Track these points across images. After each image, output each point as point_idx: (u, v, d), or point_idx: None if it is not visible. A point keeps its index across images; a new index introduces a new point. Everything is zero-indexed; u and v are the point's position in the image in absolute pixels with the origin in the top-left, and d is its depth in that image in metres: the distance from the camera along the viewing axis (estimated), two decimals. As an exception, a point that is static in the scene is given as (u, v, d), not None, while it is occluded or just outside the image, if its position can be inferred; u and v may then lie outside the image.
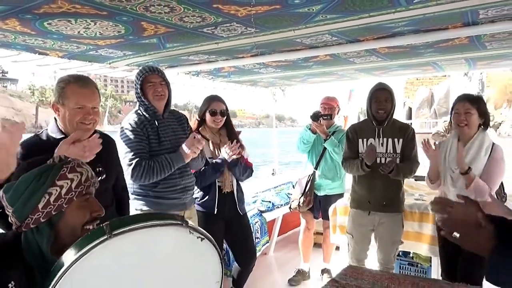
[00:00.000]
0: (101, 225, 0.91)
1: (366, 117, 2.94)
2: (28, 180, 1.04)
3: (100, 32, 2.01)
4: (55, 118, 1.84)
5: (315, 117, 3.46)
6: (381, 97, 2.78)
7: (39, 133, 1.85)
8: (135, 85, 2.44)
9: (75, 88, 1.76)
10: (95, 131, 1.89)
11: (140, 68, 2.43)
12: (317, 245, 4.19)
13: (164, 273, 0.99)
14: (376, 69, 3.64)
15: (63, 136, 1.79)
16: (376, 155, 2.72)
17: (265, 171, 5.65)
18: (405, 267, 3.54)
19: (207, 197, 2.85)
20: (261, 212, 4.20)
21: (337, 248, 3.88)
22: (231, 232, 3.00)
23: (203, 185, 2.86)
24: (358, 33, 2.32)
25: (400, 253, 3.56)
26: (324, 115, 3.51)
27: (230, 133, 2.99)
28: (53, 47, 2.34)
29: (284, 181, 5.19)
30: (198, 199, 2.87)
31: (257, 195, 4.62)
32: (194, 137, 2.43)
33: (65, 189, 1.05)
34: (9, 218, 1.06)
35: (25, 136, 1.59)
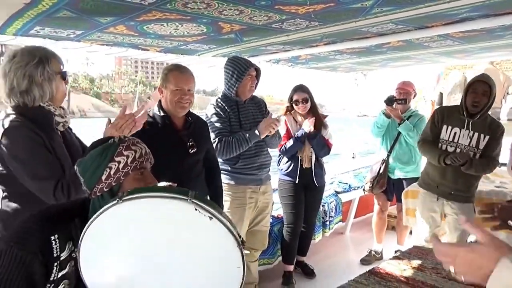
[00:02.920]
0: (119, 193, 1.08)
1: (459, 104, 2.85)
2: (94, 156, 1.24)
3: (187, 31, 2.40)
4: (160, 100, 2.33)
5: (389, 101, 3.53)
6: (478, 89, 2.67)
7: (149, 111, 2.31)
8: (234, 74, 2.69)
9: (175, 74, 2.23)
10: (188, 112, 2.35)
11: (239, 59, 2.72)
12: (393, 228, 4.28)
13: (174, 246, 1.04)
14: (457, 52, 3.54)
15: (164, 114, 2.28)
16: (467, 159, 2.66)
17: (345, 155, 5.77)
18: (482, 254, 3.46)
19: (290, 168, 3.34)
20: (337, 193, 4.39)
21: (411, 232, 3.92)
22: (306, 201, 3.41)
23: (288, 155, 3.33)
24: (423, 21, 2.38)
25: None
26: (398, 99, 3.56)
27: (315, 117, 3.30)
28: (151, 44, 2.82)
29: (364, 164, 5.28)
30: (283, 170, 3.35)
31: (335, 176, 4.81)
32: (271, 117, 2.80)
33: (122, 164, 1.22)
34: (81, 186, 1.30)
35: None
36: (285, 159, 3.37)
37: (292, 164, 3.34)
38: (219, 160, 2.72)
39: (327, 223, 4.13)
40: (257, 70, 2.79)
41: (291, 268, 3.47)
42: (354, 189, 4.56)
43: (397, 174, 3.74)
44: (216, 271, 1.07)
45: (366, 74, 5.20)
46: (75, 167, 1.28)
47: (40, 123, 1.63)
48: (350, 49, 3.30)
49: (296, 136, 3.27)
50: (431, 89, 5.65)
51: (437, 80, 5.96)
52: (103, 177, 1.21)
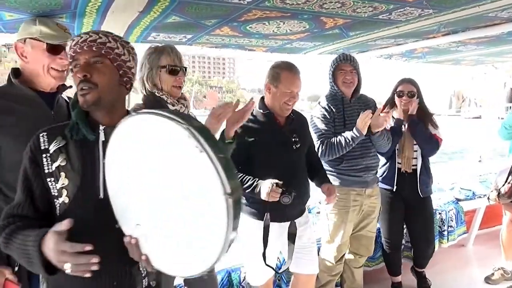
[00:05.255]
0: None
1: None
2: None
3: (289, 29, 2.37)
4: (262, 97, 2.38)
5: None
6: None
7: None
8: (329, 69, 2.76)
9: (288, 75, 2.24)
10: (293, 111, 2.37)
11: (336, 56, 2.76)
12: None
13: (160, 168, 1.01)
14: None
15: (267, 111, 2.31)
16: None
17: (470, 158, 5.15)
18: None
19: (386, 172, 3.03)
20: (458, 200, 3.94)
21: (553, 251, 3.32)
22: (409, 214, 3.07)
23: (387, 154, 2.96)
24: None
25: None
26: None
27: (420, 114, 2.98)
28: (257, 44, 2.87)
29: (494, 170, 4.63)
30: (379, 175, 3.04)
31: (456, 182, 4.32)
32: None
33: None
34: None
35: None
36: (381, 161, 3.03)
37: (389, 168, 3.00)
38: (322, 161, 2.66)
39: (445, 233, 3.73)
40: (352, 64, 2.70)
41: (398, 279, 3.21)
42: (480, 196, 4.04)
43: (534, 182, 3.19)
44: (197, 213, 0.97)
45: (498, 66, 4.56)
46: None
47: (152, 107, 1.82)
48: (475, 39, 2.91)
49: (391, 126, 2.91)
50: None
51: None
52: None
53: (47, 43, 1.58)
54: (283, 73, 2.24)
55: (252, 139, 2.20)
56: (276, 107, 2.29)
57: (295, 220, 2.30)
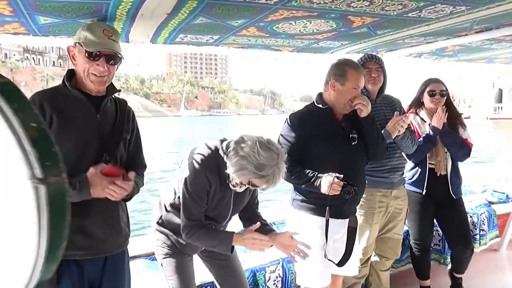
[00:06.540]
0: None
1: None
2: None
3: (316, 28, 2.35)
4: (320, 93, 2.40)
5: None
6: None
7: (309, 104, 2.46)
8: None
9: (355, 73, 2.26)
10: None
11: (361, 56, 2.75)
12: None
13: None
14: None
15: (326, 106, 2.33)
16: None
17: (503, 159, 4.97)
18: None
19: (416, 176, 2.95)
20: (490, 203, 3.81)
21: None
22: (443, 216, 2.99)
23: (417, 159, 2.92)
24: None
25: None
26: None
27: (449, 114, 2.92)
28: (283, 44, 2.86)
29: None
30: (408, 178, 2.98)
31: (489, 184, 4.18)
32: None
33: None
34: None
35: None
36: (409, 164, 2.98)
37: (419, 171, 2.94)
38: None
39: (477, 236, 3.62)
40: (378, 62, 2.68)
41: (426, 283, 3.13)
42: (514, 200, 3.89)
43: None
44: None
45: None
46: None
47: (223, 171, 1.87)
48: (510, 36, 2.80)
49: (424, 134, 2.88)
50: None
51: None
52: None
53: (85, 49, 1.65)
54: (350, 71, 2.25)
55: (310, 133, 2.22)
56: (340, 104, 2.29)
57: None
